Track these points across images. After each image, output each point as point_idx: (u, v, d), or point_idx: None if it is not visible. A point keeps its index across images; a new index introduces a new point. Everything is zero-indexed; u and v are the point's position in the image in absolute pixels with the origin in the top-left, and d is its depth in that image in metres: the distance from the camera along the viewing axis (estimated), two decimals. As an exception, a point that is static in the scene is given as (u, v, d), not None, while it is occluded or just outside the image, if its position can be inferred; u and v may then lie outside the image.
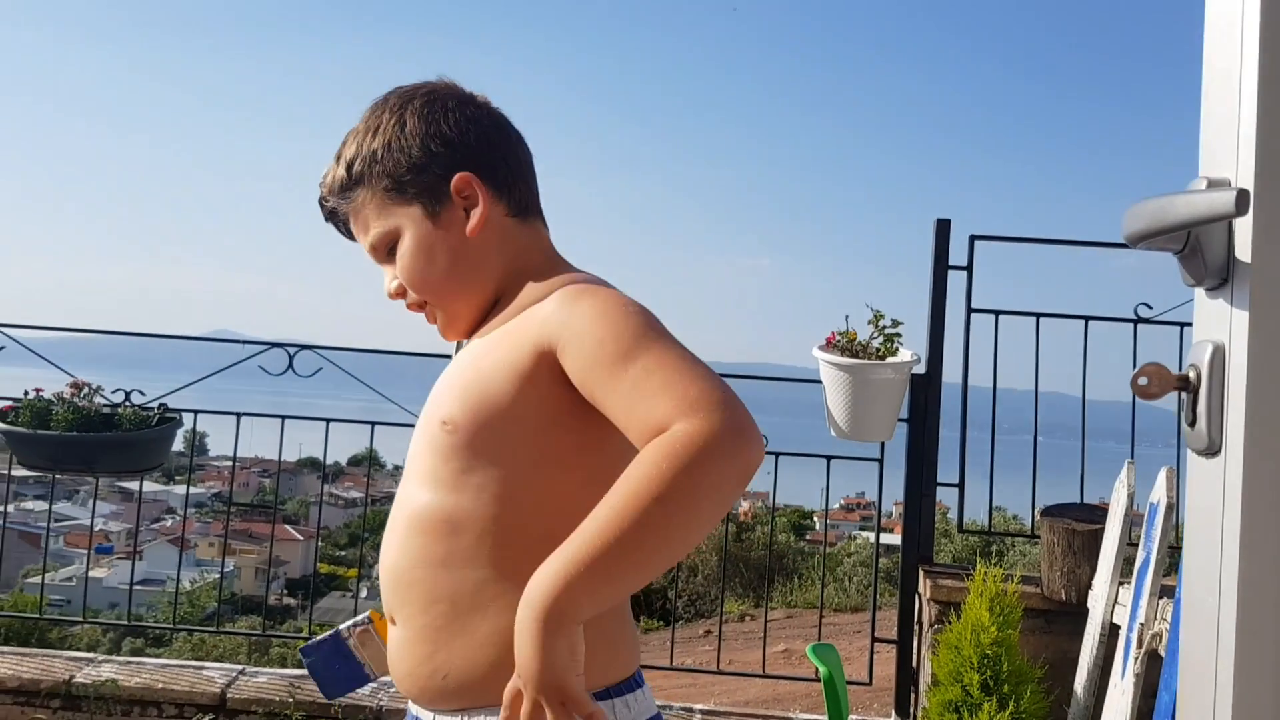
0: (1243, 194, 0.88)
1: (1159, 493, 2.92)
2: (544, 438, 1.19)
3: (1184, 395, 0.99)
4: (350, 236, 1.37)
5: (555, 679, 1.00)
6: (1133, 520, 3.16)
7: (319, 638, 1.46)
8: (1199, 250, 0.97)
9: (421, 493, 1.25)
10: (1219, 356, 0.96)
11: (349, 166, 1.31)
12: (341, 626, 1.46)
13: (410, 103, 1.30)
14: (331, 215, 1.36)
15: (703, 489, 0.99)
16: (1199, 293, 1.01)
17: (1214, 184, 0.96)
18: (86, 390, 3.61)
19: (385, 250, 1.32)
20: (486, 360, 1.22)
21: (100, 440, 3.47)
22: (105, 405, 3.61)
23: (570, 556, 1.00)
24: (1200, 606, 0.97)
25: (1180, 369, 1.01)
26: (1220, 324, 0.96)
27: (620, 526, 0.99)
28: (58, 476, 3.97)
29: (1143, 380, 1.00)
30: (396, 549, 1.26)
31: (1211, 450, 0.96)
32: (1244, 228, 0.94)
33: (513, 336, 1.22)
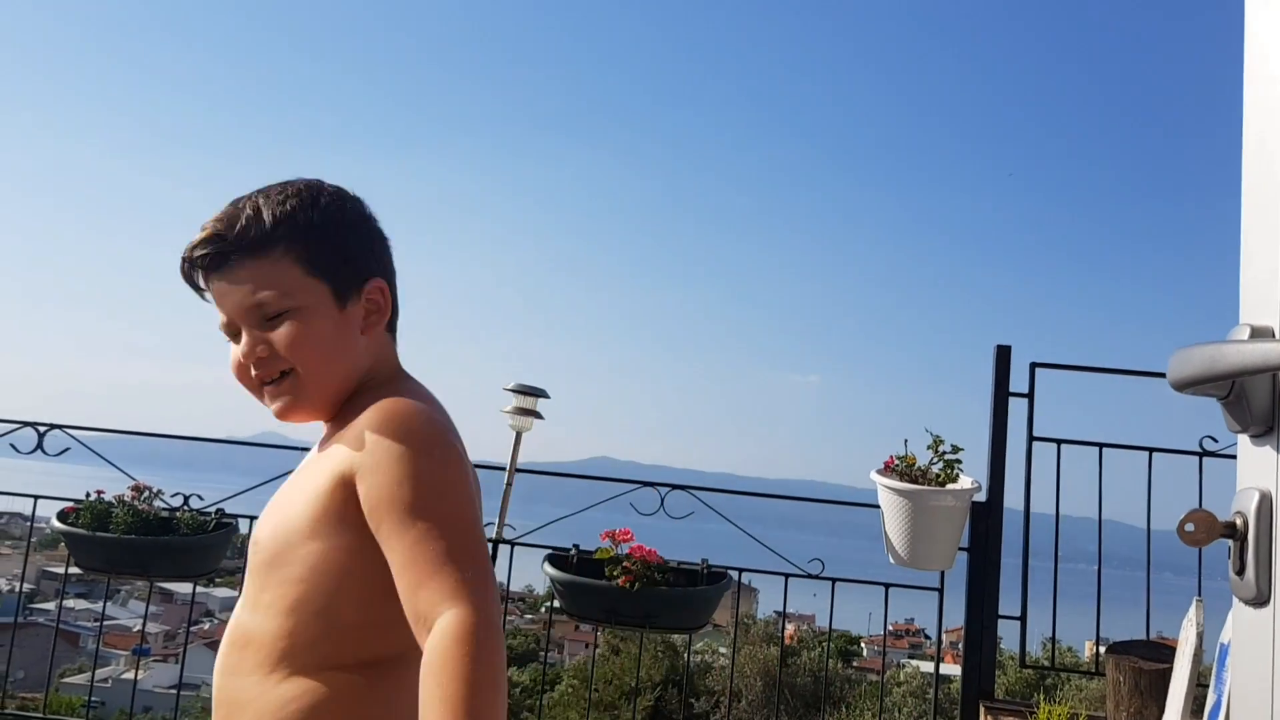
0: None
1: (1229, 633, 2.82)
2: (332, 558, 1.23)
3: (1231, 543, 0.98)
4: (197, 287, 1.31)
5: None
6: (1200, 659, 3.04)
7: None
8: (1244, 397, 0.97)
9: (238, 610, 1.33)
10: (1266, 504, 0.94)
11: (274, 223, 1.27)
12: None
13: (340, 195, 1.34)
14: (212, 260, 1.28)
15: (495, 669, 1.04)
16: (1243, 439, 1.00)
17: (1257, 332, 0.96)
18: (147, 494, 3.64)
19: (266, 317, 1.27)
20: (304, 480, 1.29)
21: (158, 544, 3.49)
22: (164, 509, 3.64)
23: None
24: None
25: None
26: (1266, 471, 0.95)
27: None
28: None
29: (1189, 527, 0.99)
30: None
31: (1260, 600, 0.94)
32: (1291, 376, 0.93)
33: (328, 460, 1.26)
